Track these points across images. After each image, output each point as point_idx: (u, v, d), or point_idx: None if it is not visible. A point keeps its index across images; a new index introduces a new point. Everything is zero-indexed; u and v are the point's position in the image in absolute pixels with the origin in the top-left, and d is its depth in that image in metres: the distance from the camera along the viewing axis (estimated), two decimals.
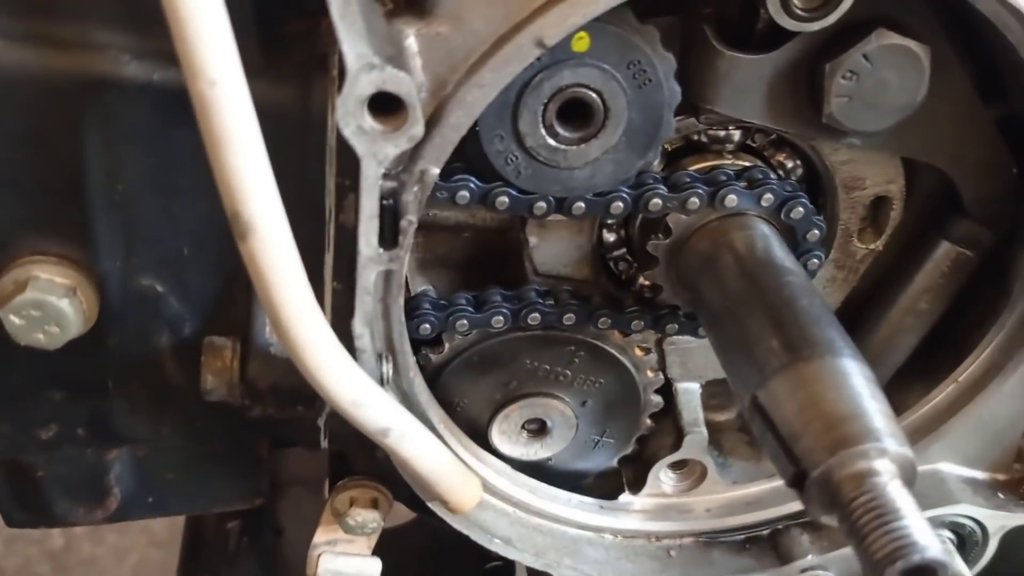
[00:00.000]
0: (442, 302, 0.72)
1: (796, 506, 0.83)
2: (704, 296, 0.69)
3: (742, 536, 0.85)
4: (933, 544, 0.52)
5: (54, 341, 0.59)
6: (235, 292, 0.63)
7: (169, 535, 1.87)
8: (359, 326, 0.60)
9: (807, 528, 0.84)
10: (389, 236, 0.57)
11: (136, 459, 0.74)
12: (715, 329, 0.68)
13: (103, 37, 0.55)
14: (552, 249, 0.73)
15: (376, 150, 0.54)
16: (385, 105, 0.53)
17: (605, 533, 0.82)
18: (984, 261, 0.76)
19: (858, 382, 0.58)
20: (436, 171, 0.58)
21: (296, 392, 0.62)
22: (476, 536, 0.75)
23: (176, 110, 0.55)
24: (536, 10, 0.55)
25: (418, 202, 0.58)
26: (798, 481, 0.56)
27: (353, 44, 0.51)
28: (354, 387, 0.58)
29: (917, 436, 0.81)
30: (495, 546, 0.76)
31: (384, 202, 0.56)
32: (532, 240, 0.72)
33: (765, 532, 0.85)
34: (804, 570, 0.82)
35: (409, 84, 0.52)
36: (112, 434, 0.69)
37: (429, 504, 0.71)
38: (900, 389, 0.81)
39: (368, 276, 0.58)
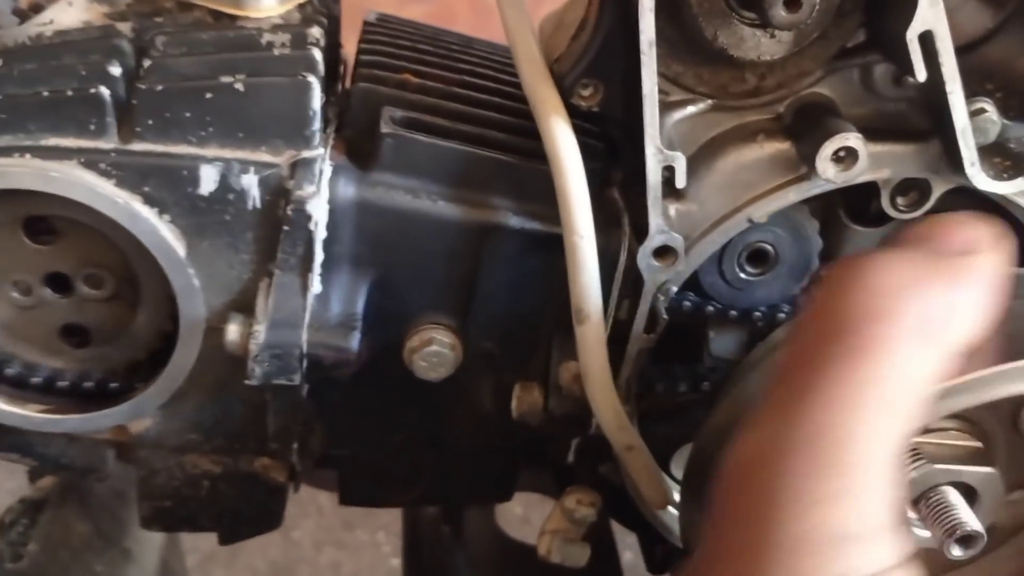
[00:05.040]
0: (645, 372, 1.09)
1: None
2: None
3: None
4: None
5: (438, 378, 0.97)
6: (539, 353, 1.01)
7: None
8: (623, 380, 0.98)
9: None
10: (650, 326, 0.96)
11: (440, 460, 1.12)
12: None
13: (499, 202, 0.94)
14: (722, 341, 1.11)
15: (655, 277, 0.92)
16: (664, 252, 0.91)
17: None
18: None
19: None
20: (675, 289, 0.96)
21: (576, 419, 0.99)
22: (659, 527, 1.11)
23: (532, 247, 0.94)
24: (749, 200, 0.94)
25: (665, 306, 0.96)
26: None
27: (655, 217, 0.90)
28: (620, 418, 0.96)
29: None
30: (672, 537, 1.12)
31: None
32: (711, 335, 1.10)
33: None
34: None
35: (680, 243, 0.91)
36: (440, 442, 1.07)
37: (635, 498, 1.07)
38: None
39: (633, 350, 0.96)
